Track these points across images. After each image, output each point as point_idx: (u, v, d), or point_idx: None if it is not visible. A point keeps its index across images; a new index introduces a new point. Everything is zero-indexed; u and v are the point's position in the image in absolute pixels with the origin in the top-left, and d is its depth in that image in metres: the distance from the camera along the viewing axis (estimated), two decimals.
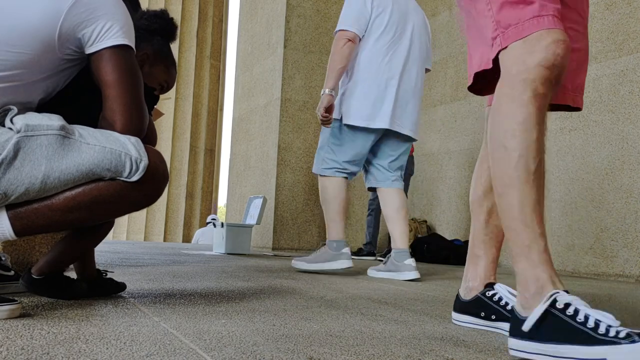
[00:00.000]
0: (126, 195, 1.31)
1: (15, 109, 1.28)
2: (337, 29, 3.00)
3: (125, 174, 1.29)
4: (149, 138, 1.56)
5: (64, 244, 1.53)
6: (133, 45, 1.40)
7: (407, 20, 3.11)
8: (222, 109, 12.38)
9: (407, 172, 5.05)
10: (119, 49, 1.36)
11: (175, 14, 10.32)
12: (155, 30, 1.68)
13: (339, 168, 3.02)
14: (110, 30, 1.34)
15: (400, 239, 2.98)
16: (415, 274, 2.87)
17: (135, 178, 1.29)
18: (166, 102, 9.79)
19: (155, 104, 1.71)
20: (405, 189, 5.05)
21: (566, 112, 4.69)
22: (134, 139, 1.32)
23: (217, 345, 1.09)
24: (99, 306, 1.51)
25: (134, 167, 1.29)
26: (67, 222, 1.30)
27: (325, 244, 2.98)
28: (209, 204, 11.52)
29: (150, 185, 1.33)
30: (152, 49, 1.65)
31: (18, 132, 1.22)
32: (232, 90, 11.29)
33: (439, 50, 6.21)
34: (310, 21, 6.12)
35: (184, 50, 10.43)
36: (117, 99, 1.35)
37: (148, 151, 1.34)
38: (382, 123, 2.98)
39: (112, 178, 1.29)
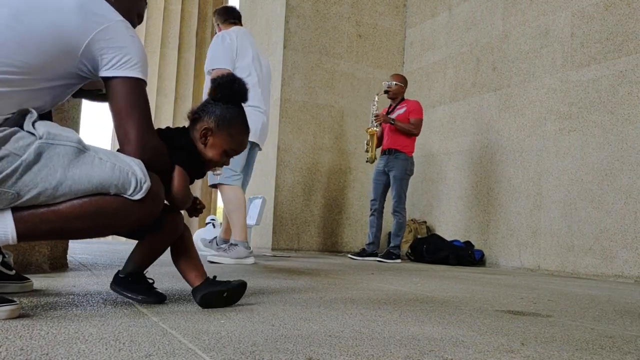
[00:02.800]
0: (127, 212, 1.38)
1: (35, 113, 1.33)
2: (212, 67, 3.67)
3: (130, 191, 1.36)
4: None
5: (142, 246, 1.66)
6: (145, 78, 1.48)
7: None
8: None
9: (407, 172, 5.05)
10: (131, 81, 1.44)
11: (175, 14, 10.31)
12: (220, 99, 1.69)
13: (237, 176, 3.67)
14: (127, 62, 1.43)
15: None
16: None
17: (137, 197, 1.37)
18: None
19: (202, 176, 1.73)
20: (405, 189, 5.05)
21: (565, 113, 4.70)
22: (137, 160, 1.41)
23: (216, 346, 1.09)
24: (98, 306, 1.51)
25: (138, 187, 1.36)
26: (69, 230, 1.35)
27: (234, 244, 3.51)
28: (208, 205, 11.51)
29: (149, 206, 1.40)
30: (214, 121, 1.65)
31: (40, 138, 1.28)
32: None
33: (438, 51, 6.21)
34: (310, 22, 6.12)
35: (184, 51, 10.42)
36: (121, 128, 1.45)
37: (150, 175, 1.42)
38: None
39: (116, 194, 1.36)
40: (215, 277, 1.66)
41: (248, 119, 1.75)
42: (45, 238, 1.39)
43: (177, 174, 1.57)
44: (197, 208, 1.73)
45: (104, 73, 1.43)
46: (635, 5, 4.28)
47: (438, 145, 6.09)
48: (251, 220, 4.77)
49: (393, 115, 5.10)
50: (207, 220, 5.09)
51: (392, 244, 4.99)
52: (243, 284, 1.67)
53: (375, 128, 5.10)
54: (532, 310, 1.95)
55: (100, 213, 1.34)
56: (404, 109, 5.10)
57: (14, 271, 1.76)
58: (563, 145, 4.69)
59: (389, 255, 4.88)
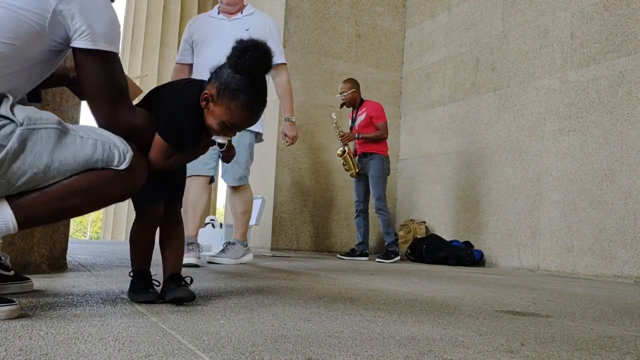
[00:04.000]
0: (117, 182, 1.41)
1: (10, 98, 1.33)
2: (281, 61, 3.75)
3: (115, 162, 1.39)
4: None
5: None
6: (113, 49, 1.43)
7: None
8: None
9: (384, 171, 5.05)
10: (96, 54, 1.40)
11: (175, 14, 10.31)
12: (233, 65, 1.54)
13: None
14: (92, 33, 1.38)
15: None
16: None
17: (123, 166, 1.40)
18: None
19: (201, 145, 1.65)
20: (384, 188, 5.04)
21: (565, 114, 4.70)
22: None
23: (215, 346, 1.09)
24: (97, 306, 1.51)
25: (121, 157, 1.40)
26: (65, 209, 1.39)
27: (233, 243, 3.56)
28: (208, 205, 11.51)
29: (135, 173, 1.44)
30: (217, 88, 1.54)
31: (21, 124, 1.29)
32: None
33: (437, 51, 6.21)
34: (309, 22, 6.12)
35: None
36: (90, 104, 1.46)
37: (129, 144, 1.44)
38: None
39: (103, 167, 1.39)
40: (183, 278, 1.67)
41: None
42: (45, 221, 1.42)
43: (155, 144, 1.55)
44: (227, 155, 1.75)
45: (72, 43, 1.39)
46: (634, 6, 4.28)
47: (437, 145, 6.09)
48: (251, 220, 4.77)
49: (357, 122, 5.12)
50: (207, 220, 5.08)
51: (386, 243, 5.00)
52: (177, 299, 1.60)
53: (344, 148, 5.09)
54: (532, 310, 1.95)
55: (92, 187, 1.38)
56: (364, 114, 5.10)
57: (12, 272, 1.75)
58: (562, 145, 4.69)
59: (387, 255, 4.89)
